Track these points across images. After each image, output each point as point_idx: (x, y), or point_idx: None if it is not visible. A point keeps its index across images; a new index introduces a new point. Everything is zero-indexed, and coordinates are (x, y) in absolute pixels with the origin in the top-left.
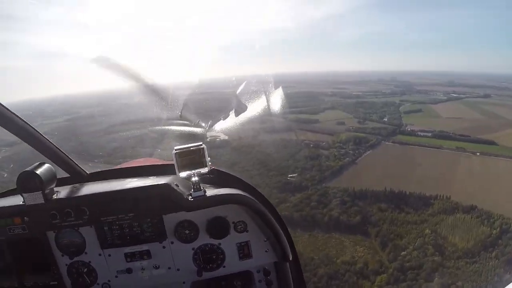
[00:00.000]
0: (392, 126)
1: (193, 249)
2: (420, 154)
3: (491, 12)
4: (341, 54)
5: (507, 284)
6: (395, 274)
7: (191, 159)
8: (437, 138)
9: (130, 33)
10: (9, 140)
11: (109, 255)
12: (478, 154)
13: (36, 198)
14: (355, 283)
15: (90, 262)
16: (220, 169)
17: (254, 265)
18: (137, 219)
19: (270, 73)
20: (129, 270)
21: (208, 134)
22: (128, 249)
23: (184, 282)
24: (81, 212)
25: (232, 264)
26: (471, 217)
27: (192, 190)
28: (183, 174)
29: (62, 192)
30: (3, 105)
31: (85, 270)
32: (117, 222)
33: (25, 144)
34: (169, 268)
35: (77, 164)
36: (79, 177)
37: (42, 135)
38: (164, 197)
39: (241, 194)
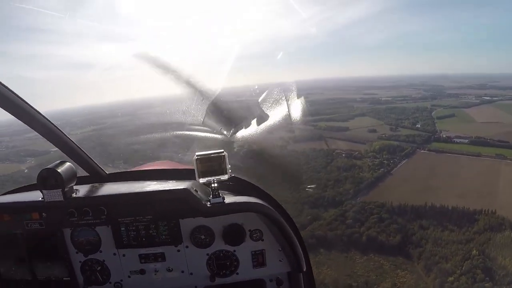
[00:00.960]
0: (426, 133)
1: (207, 254)
2: (459, 162)
3: None
4: (368, 59)
5: None
6: None
7: (211, 165)
8: (474, 144)
9: (155, 41)
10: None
11: (124, 255)
12: None
13: (56, 195)
14: None
15: (104, 260)
16: (240, 177)
17: (267, 274)
18: (154, 222)
19: (294, 80)
20: (142, 271)
21: (235, 144)
22: (143, 251)
23: (196, 287)
24: (99, 211)
25: (246, 271)
26: None
27: (210, 196)
28: (203, 180)
29: (81, 190)
30: (26, 102)
31: (99, 268)
32: (134, 224)
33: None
34: (182, 271)
35: (97, 164)
36: (99, 177)
37: (64, 133)
38: (182, 202)
39: (260, 203)
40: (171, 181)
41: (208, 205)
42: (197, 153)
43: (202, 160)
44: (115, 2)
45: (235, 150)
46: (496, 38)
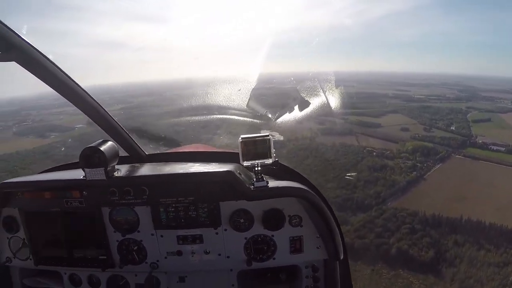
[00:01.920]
0: (462, 137)
1: (245, 238)
2: (496, 172)
3: None
4: (402, 55)
5: None
6: None
7: (256, 149)
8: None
9: (187, 26)
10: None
11: (161, 236)
12: None
13: (98, 174)
14: None
15: (141, 240)
16: (283, 163)
17: (304, 260)
18: (194, 203)
19: (329, 70)
20: (179, 253)
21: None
22: (181, 232)
23: (231, 270)
24: (141, 191)
25: (282, 257)
26: None
27: (254, 179)
28: (247, 163)
29: (123, 170)
30: (70, 78)
31: (135, 248)
32: (174, 205)
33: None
34: (219, 254)
35: (137, 144)
36: (139, 157)
37: (106, 111)
38: (226, 184)
39: (303, 188)
40: (213, 164)
41: (252, 189)
42: (242, 136)
43: (247, 143)
44: None
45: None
46: None
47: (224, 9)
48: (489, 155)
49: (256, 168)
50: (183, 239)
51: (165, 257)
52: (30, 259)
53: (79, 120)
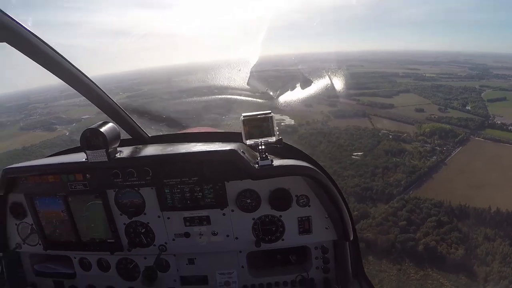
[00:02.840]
0: (479, 117)
1: (253, 219)
2: None
3: None
4: (407, 33)
5: None
6: None
7: (258, 127)
8: None
9: (189, 10)
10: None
11: (168, 218)
12: None
13: (100, 155)
14: None
15: (148, 223)
16: (286, 142)
17: (313, 241)
18: (199, 184)
19: (333, 51)
20: (187, 234)
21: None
22: (187, 213)
23: (240, 251)
24: (145, 172)
25: (291, 238)
26: None
27: (258, 158)
28: (250, 141)
29: (125, 152)
30: (72, 64)
31: (143, 230)
32: (179, 186)
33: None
34: (227, 236)
35: (139, 126)
36: (141, 139)
37: (107, 95)
38: (230, 164)
39: (309, 167)
40: (217, 143)
41: (256, 167)
42: (243, 114)
43: (248, 121)
44: None
45: None
46: None
47: None
48: (510, 137)
49: (260, 147)
50: (190, 221)
51: (173, 239)
52: (40, 244)
53: (87, 111)
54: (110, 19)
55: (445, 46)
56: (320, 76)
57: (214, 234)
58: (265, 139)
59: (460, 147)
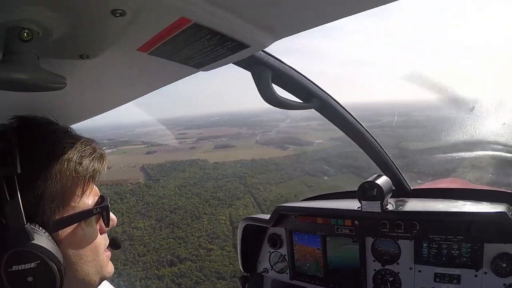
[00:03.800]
0: None
1: (504, 284)
2: None
3: None
4: None
5: None
6: None
7: None
8: None
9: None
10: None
11: (419, 271)
12: None
13: (374, 206)
14: None
15: (398, 273)
16: None
17: None
18: (459, 242)
19: None
20: None
21: None
22: (439, 269)
23: None
24: (412, 226)
25: None
26: None
27: None
28: None
29: (393, 203)
30: (345, 108)
31: (391, 279)
32: (438, 241)
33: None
34: None
35: (404, 178)
36: (404, 191)
37: (375, 140)
38: (496, 225)
39: None
40: (484, 203)
41: None
42: None
43: None
44: None
45: None
46: None
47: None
48: None
49: None
50: (440, 277)
51: None
52: (286, 273)
53: (320, 137)
54: (356, 49)
55: None
56: None
57: None
58: None
59: None
